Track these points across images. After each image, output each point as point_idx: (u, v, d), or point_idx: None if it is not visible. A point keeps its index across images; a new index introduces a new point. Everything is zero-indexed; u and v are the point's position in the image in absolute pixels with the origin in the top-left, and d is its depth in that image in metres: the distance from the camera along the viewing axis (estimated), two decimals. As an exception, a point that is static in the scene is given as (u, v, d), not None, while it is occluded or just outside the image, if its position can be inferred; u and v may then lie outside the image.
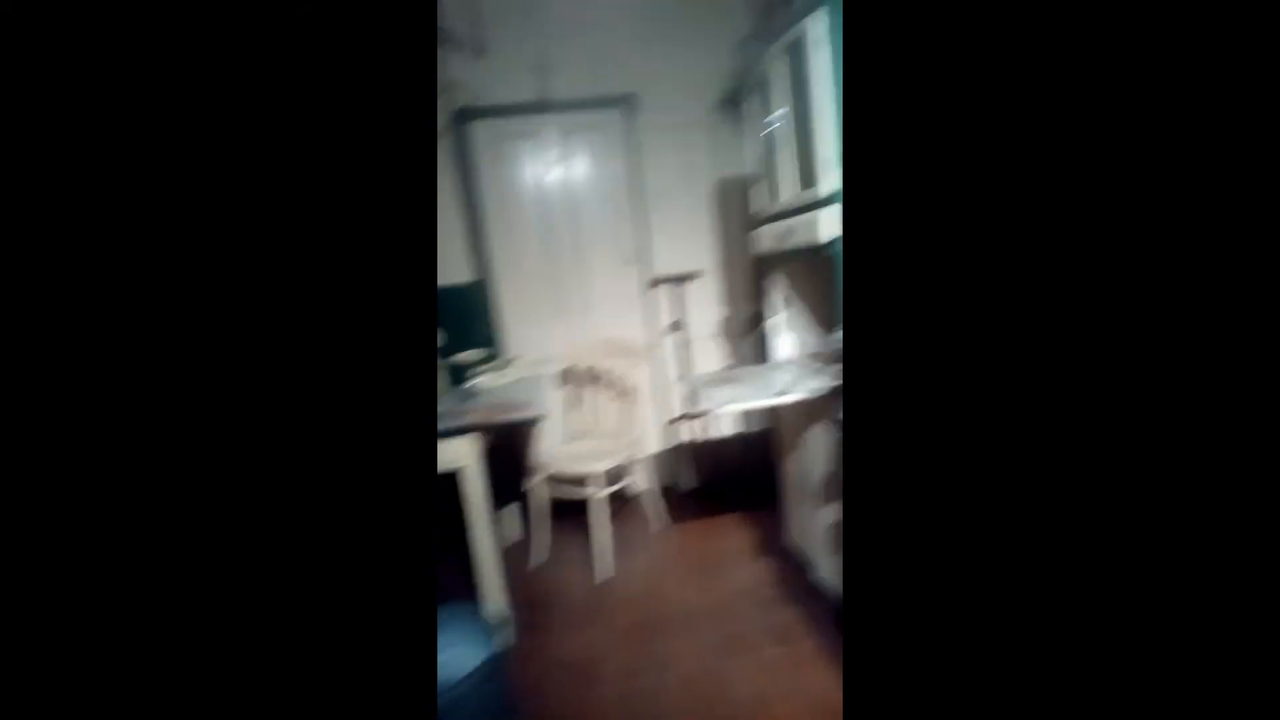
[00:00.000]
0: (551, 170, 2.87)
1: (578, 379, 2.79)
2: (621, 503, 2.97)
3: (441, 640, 1.51)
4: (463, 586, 2.23)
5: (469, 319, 2.81)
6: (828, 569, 1.87)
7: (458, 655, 1.49)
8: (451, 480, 1.85)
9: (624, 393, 2.80)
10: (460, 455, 1.82)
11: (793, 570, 2.15)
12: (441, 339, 2.42)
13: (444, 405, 2.14)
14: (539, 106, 2.78)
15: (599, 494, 2.30)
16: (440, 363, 2.41)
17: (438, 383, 2.37)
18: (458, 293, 2.80)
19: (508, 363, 2.56)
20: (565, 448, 2.65)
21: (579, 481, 2.36)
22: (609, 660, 1.79)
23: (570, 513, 2.80)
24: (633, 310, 2.98)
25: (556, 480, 2.42)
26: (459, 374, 2.50)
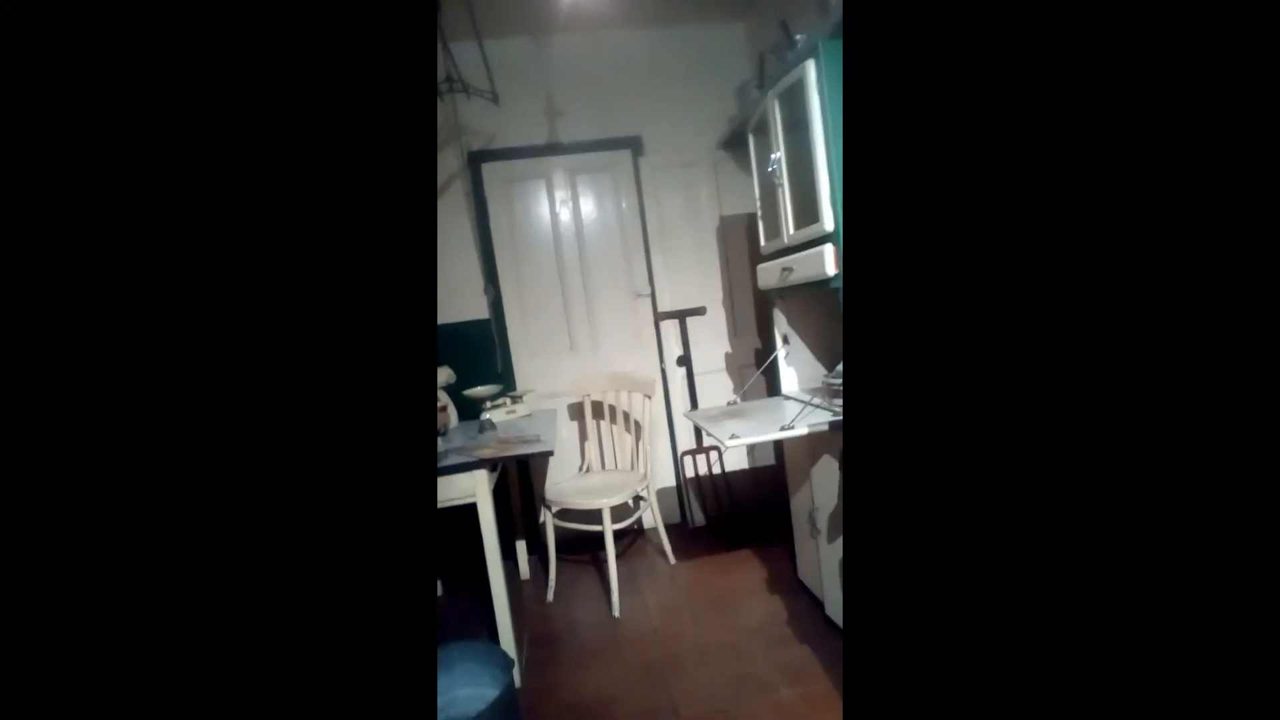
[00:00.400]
0: (561, 209, 2.96)
1: (588, 413, 2.82)
2: (633, 537, 2.96)
3: (457, 675, 1.51)
4: (479, 620, 2.23)
5: (482, 354, 2.86)
6: (839, 605, 1.86)
7: (473, 692, 1.49)
8: (465, 513, 1.87)
9: (633, 427, 2.82)
10: (474, 488, 1.85)
11: (805, 607, 2.13)
12: (453, 375, 2.47)
13: (458, 439, 2.17)
14: (549, 149, 2.88)
15: (610, 529, 2.30)
16: (454, 397, 2.45)
17: (455, 417, 2.40)
18: (471, 328, 2.86)
19: (519, 397, 2.60)
20: (575, 482, 2.66)
21: (590, 516, 2.36)
22: (621, 700, 1.77)
23: (583, 547, 2.79)
24: (640, 345, 3.03)
25: (568, 514, 2.43)
26: (473, 408, 2.53)
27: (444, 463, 1.84)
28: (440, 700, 1.47)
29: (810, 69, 1.54)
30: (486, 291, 2.87)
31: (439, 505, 1.82)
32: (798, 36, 1.94)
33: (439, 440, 2.13)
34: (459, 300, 2.84)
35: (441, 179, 2.81)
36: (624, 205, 2.98)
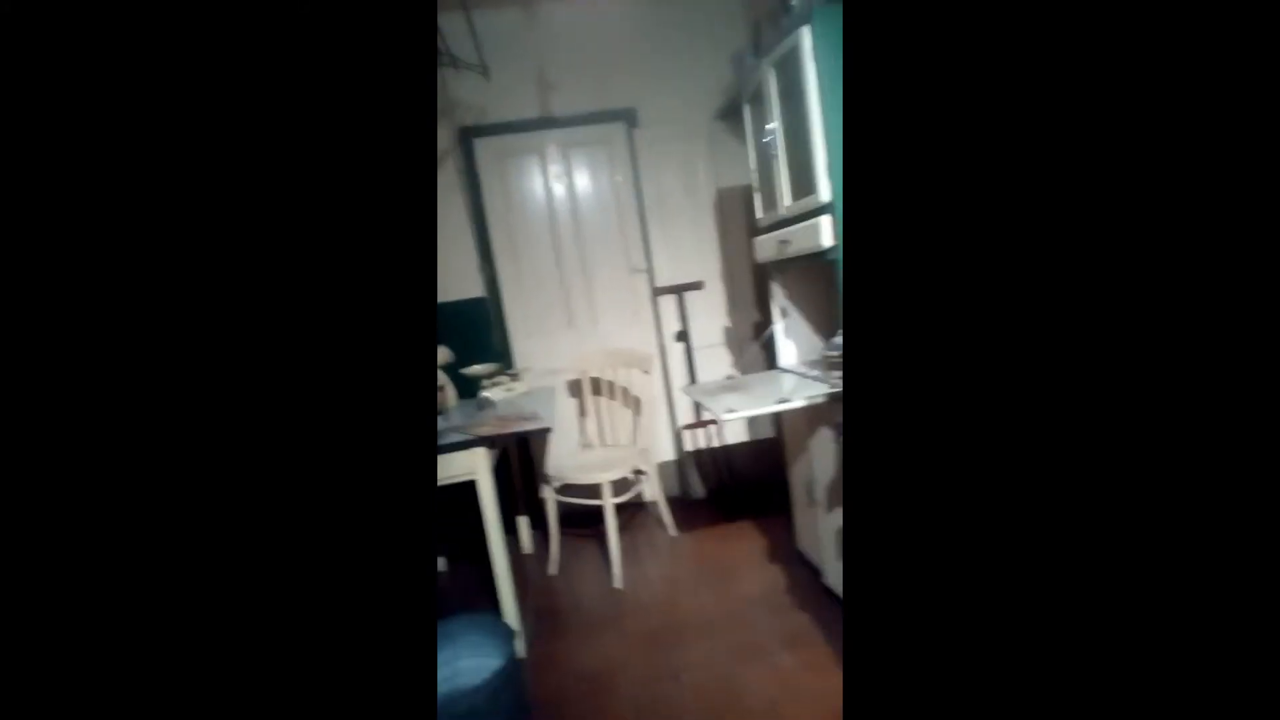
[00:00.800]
0: (556, 184, 2.93)
1: (586, 389, 2.83)
2: (633, 511, 2.99)
3: (461, 647, 1.54)
4: (482, 594, 2.26)
5: (479, 332, 2.86)
6: (837, 574, 1.89)
7: (476, 663, 1.52)
8: (467, 490, 1.89)
9: (632, 402, 2.83)
10: (474, 466, 1.86)
11: (803, 576, 2.16)
12: (451, 354, 2.47)
13: (457, 418, 2.18)
14: (542, 123, 2.84)
15: (610, 503, 2.32)
16: (452, 376, 2.46)
17: (453, 396, 2.41)
18: (468, 307, 2.85)
19: (518, 375, 2.60)
20: (576, 458, 2.68)
21: (590, 491, 2.39)
22: (624, 668, 1.81)
23: (584, 521, 2.83)
24: (638, 320, 3.02)
25: (569, 490, 2.45)
26: (471, 387, 2.54)
27: (444, 441, 1.85)
28: (444, 671, 1.50)
29: (805, 36, 1.51)
30: (482, 269, 2.86)
31: (440, 483, 1.84)
32: (793, 2, 1.89)
33: (439, 419, 2.14)
34: (456, 278, 2.83)
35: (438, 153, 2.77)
36: (619, 179, 2.94)
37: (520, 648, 1.84)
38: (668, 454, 3.09)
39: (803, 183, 1.66)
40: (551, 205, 2.93)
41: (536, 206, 2.92)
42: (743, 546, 2.49)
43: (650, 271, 2.99)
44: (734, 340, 3.08)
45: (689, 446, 3.06)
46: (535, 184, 2.91)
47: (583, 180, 2.94)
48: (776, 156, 1.80)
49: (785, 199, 1.81)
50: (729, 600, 2.10)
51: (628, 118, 2.89)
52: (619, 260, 2.99)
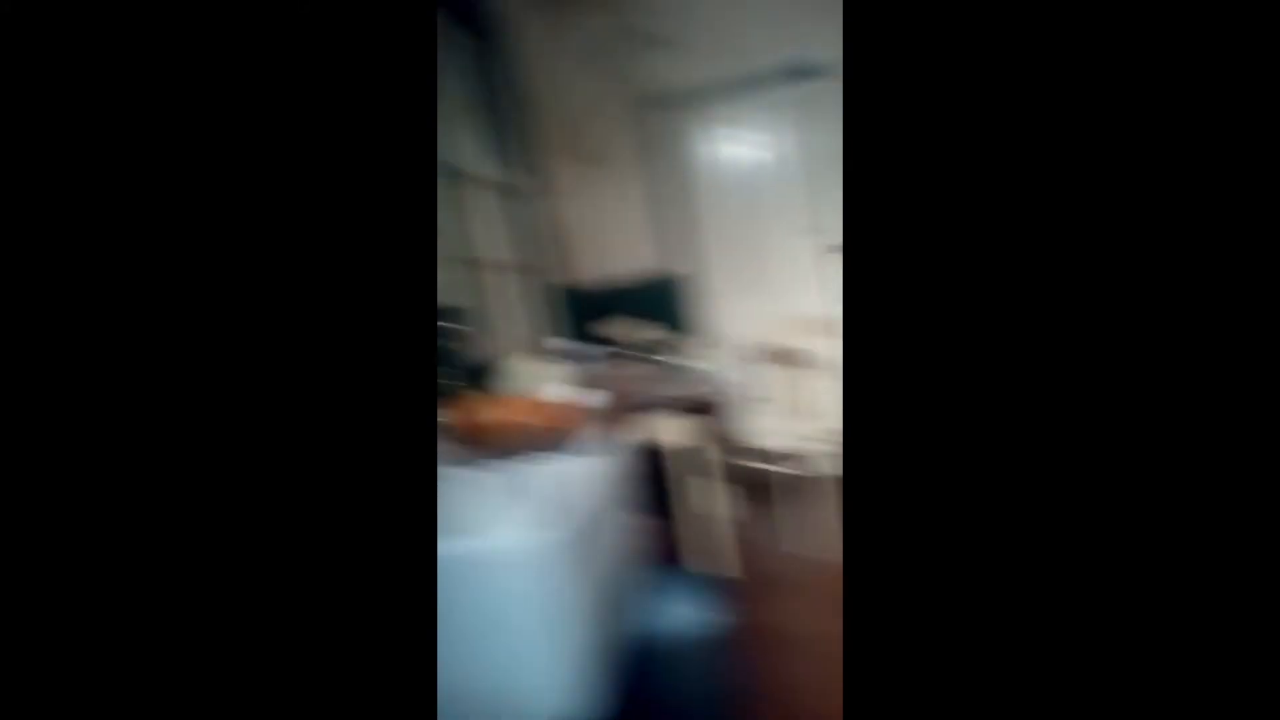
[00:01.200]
0: (740, 150, 2.86)
1: (771, 357, 2.78)
2: (818, 479, 2.90)
3: (654, 605, 1.63)
4: (673, 554, 2.37)
5: (665, 304, 2.94)
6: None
7: (677, 619, 1.60)
8: (657, 454, 1.99)
9: (817, 369, 2.73)
10: (666, 431, 1.96)
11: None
12: (657, 330, 2.57)
13: (649, 385, 2.28)
14: (726, 88, 2.79)
15: (794, 471, 2.27)
16: (637, 345, 2.56)
17: (655, 366, 2.52)
18: (656, 279, 2.94)
19: (706, 344, 2.63)
20: (763, 424, 2.65)
21: (777, 458, 2.36)
22: (805, 631, 1.79)
23: (765, 487, 2.81)
24: (823, 287, 2.87)
25: (756, 456, 2.44)
26: (660, 356, 2.63)
27: (632, 405, 1.97)
28: (636, 629, 1.59)
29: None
30: (667, 240, 2.92)
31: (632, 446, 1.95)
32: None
33: (644, 385, 2.25)
34: (647, 252, 2.92)
35: (617, 131, 2.87)
36: (806, 139, 2.79)
37: (708, 609, 1.90)
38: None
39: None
40: (737, 171, 2.88)
41: (723, 174, 2.89)
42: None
43: (835, 234, 2.82)
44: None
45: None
46: (721, 150, 2.88)
47: (769, 142, 2.84)
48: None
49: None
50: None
51: (818, 74, 2.71)
52: (806, 226, 2.85)
